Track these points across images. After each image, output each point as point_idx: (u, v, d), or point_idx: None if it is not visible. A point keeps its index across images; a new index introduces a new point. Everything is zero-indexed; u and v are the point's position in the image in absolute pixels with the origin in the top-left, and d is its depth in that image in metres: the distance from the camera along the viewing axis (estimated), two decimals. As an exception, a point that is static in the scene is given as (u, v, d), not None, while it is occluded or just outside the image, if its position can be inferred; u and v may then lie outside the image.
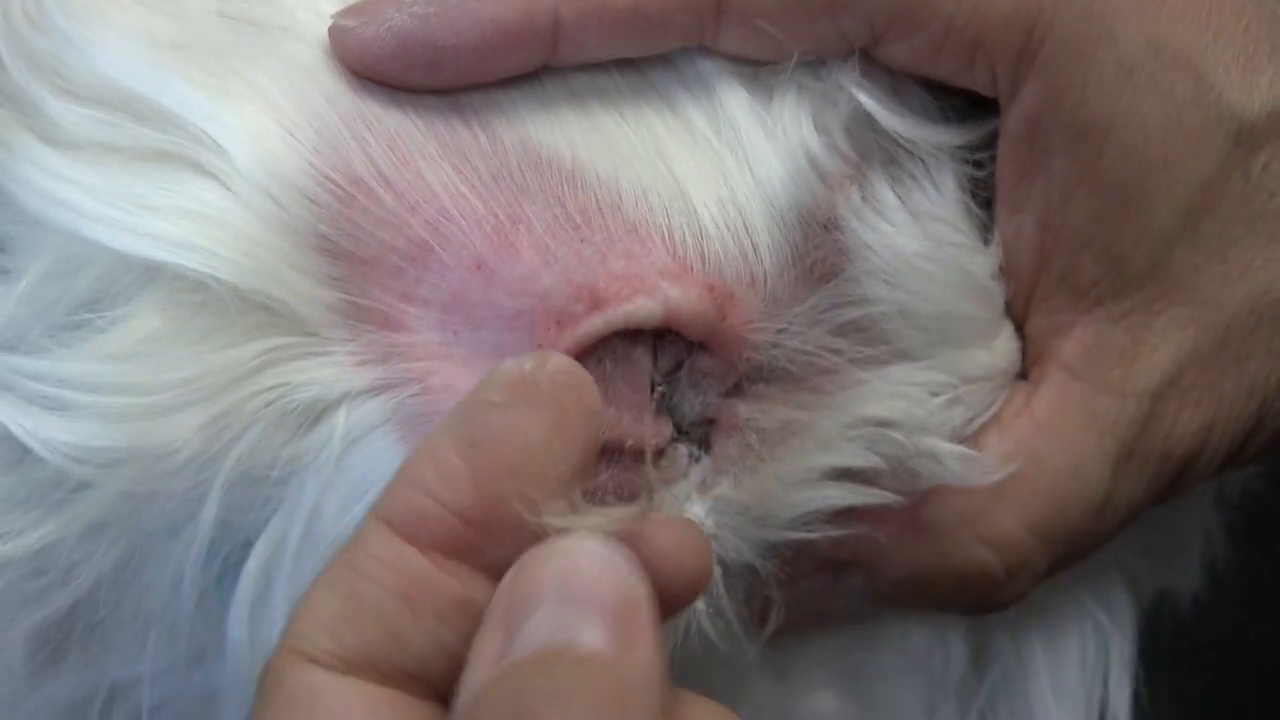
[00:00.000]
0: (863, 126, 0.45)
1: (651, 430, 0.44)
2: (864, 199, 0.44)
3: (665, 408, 0.45)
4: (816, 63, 0.44)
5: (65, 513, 0.42)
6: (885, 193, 0.44)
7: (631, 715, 0.34)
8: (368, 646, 0.36)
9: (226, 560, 0.43)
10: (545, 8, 0.42)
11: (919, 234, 0.44)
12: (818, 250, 0.44)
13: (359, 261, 0.42)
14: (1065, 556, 0.46)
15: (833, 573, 0.47)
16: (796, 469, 0.44)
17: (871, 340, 0.44)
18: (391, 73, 0.43)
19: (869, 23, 0.43)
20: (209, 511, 0.42)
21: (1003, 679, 0.50)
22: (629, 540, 0.37)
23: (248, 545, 0.43)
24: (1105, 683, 0.51)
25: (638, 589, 0.36)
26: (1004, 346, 0.46)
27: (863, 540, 0.45)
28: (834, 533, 0.45)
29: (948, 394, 0.45)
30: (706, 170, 0.44)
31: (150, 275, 0.42)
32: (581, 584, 0.35)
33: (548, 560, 0.36)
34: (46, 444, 0.41)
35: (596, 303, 0.42)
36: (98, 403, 0.42)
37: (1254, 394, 0.46)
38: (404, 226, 0.42)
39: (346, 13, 0.43)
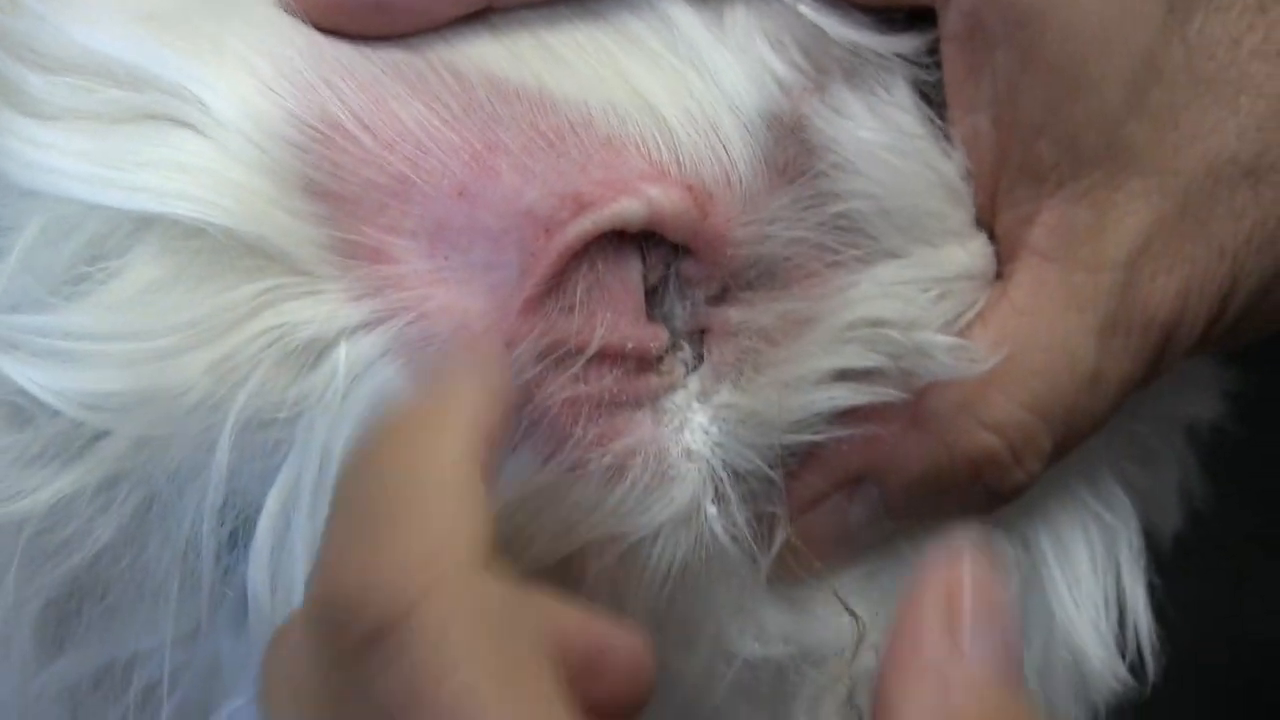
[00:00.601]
0: (815, 40, 0.46)
1: (650, 333, 0.45)
2: (825, 102, 0.45)
3: (658, 314, 0.46)
4: None
5: (80, 466, 0.43)
6: (846, 95, 0.46)
7: None
8: None
9: (238, 518, 0.44)
10: None
11: (882, 128, 0.46)
12: (787, 151, 0.45)
13: (344, 200, 0.43)
14: (1066, 434, 0.47)
15: (846, 490, 0.48)
16: (796, 372, 0.46)
17: (852, 239, 0.46)
18: (344, 18, 0.44)
19: None
20: (221, 457, 0.43)
21: (1021, 590, 0.51)
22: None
23: (257, 504, 0.44)
24: (1119, 578, 0.52)
25: None
26: (980, 249, 0.47)
27: (871, 444, 0.46)
28: (840, 432, 0.46)
29: (935, 289, 0.46)
30: (670, 85, 0.45)
31: (143, 228, 0.43)
32: None
33: None
34: (60, 395, 0.42)
35: (581, 207, 0.43)
36: (105, 350, 0.42)
37: (1224, 254, 0.47)
38: (384, 163, 0.43)
39: None
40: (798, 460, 0.47)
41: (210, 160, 0.43)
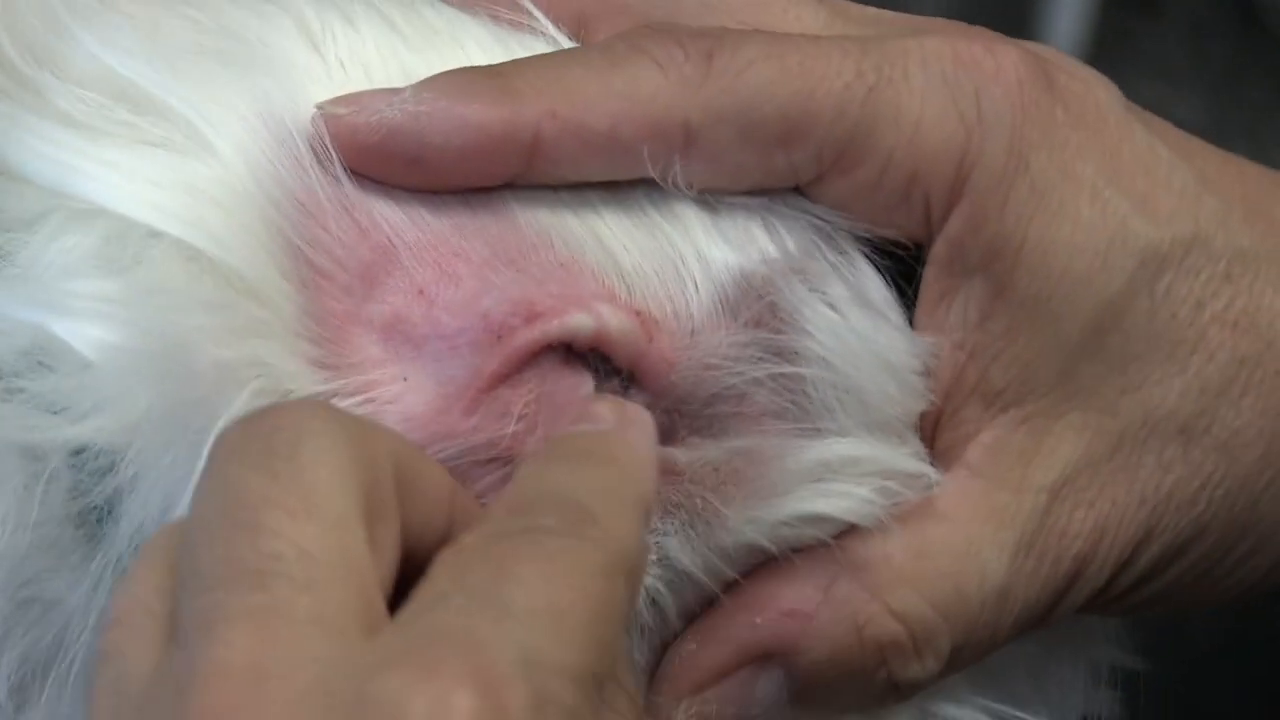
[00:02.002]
0: (813, 238, 0.48)
1: None
2: (803, 280, 0.47)
3: None
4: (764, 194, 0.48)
5: (91, 422, 0.44)
6: (828, 276, 0.47)
7: None
8: None
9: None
10: (528, 120, 0.45)
11: (853, 309, 0.47)
12: (750, 308, 0.47)
13: (319, 272, 0.45)
14: (964, 644, 0.48)
15: (754, 667, 0.48)
16: (728, 537, 0.47)
17: (799, 404, 0.47)
18: (374, 163, 0.45)
19: (818, 155, 0.47)
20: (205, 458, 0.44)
21: None
22: None
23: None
24: None
25: None
26: (919, 450, 0.49)
27: (784, 620, 0.47)
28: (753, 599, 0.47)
29: (872, 481, 0.47)
30: (636, 232, 0.47)
31: (154, 238, 0.45)
32: None
33: None
34: (95, 345, 0.44)
35: (534, 316, 0.45)
36: (135, 314, 0.44)
37: (1144, 503, 0.49)
38: (355, 247, 0.45)
39: (337, 101, 0.46)
40: (702, 630, 0.48)
41: (217, 192, 0.45)
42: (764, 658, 0.48)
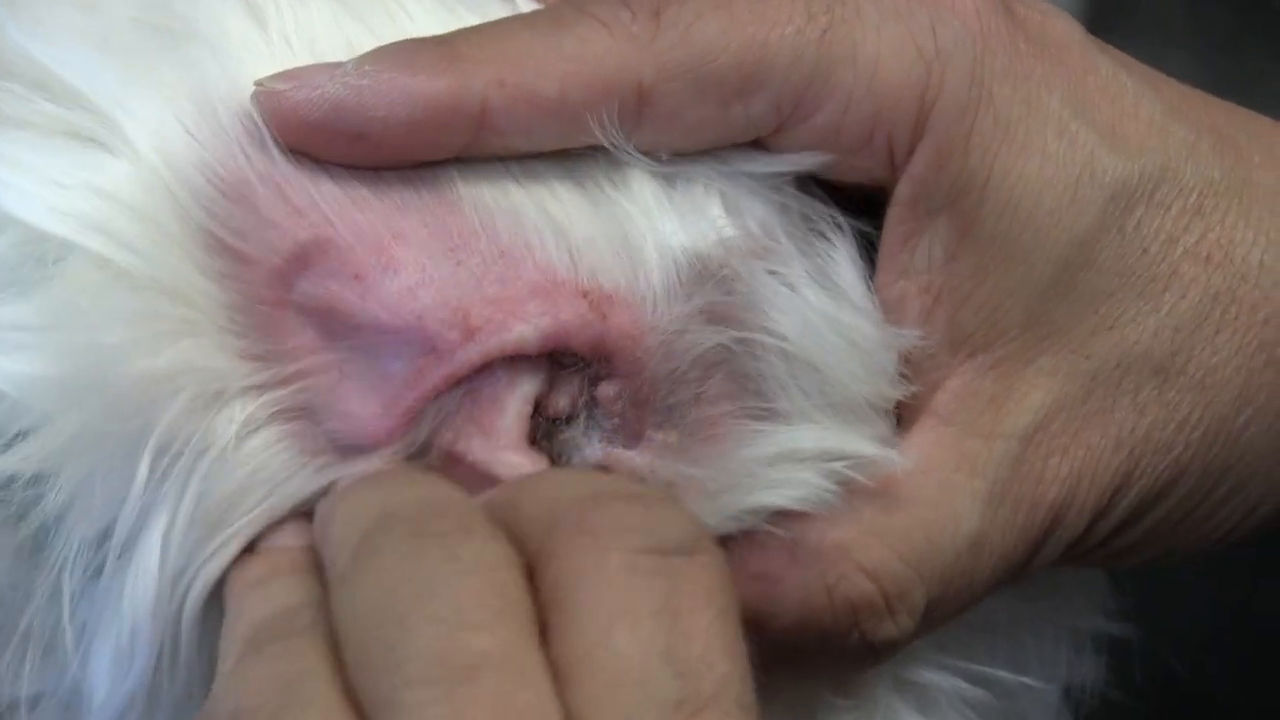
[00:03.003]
0: (775, 211, 0.47)
1: (522, 460, 0.44)
2: (764, 264, 0.46)
3: (561, 445, 0.46)
4: (723, 160, 0.47)
5: (17, 452, 0.43)
6: (791, 258, 0.46)
7: None
8: None
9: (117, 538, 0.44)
10: (475, 89, 0.44)
11: (817, 294, 0.46)
12: (706, 292, 0.46)
13: (244, 260, 0.44)
14: (941, 597, 0.47)
15: None
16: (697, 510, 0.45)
17: (759, 390, 0.46)
18: (317, 139, 0.44)
19: (776, 105, 0.46)
20: (140, 476, 0.43)
21: None
22: None
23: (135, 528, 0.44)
24: None
25: None
26: (886, 432, 0.47)
27: (753, 582, 0.46)
28: None
29: (832, 469, 0.46)
30: (588, 206, 0.46)
31: (72, 245, 0.43)
32: None
33: None
34: (8, 379, 0.42)
35: (470, 331, 0.44)
36: (51, 340, 0.43)
37: (1120, 446, 0.48)
38: (287, 229, 0.44)
39: (277, 76, 0.44)
40: None
41: (131, 195, 0.44)
42: None
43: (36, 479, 0.43)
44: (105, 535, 0.44)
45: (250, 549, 0.44)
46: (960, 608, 0.48)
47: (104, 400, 0.43)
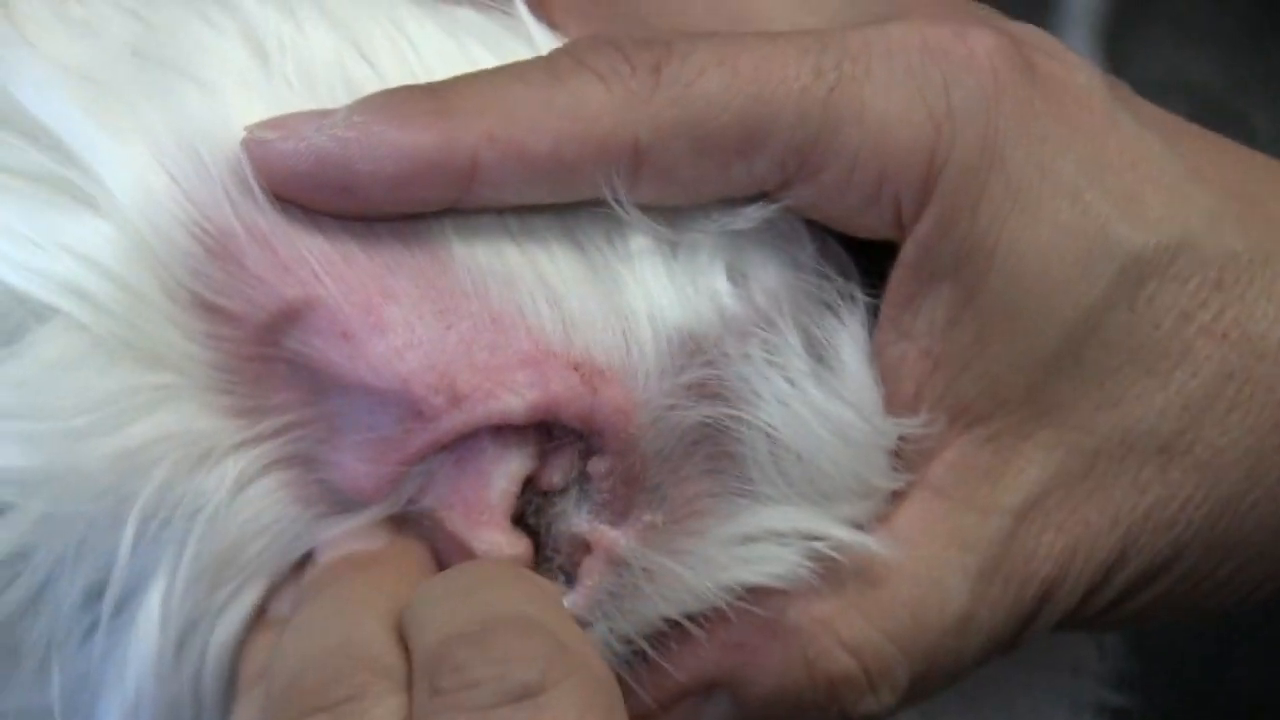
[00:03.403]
0: (781, 277, 0.45)
1: (506, 539, 0.44)
2: (765, 347, 0.44)
3: (547, 520, 0.45)
4: (731, 212, 0.45)
5: None
6: (789, 342, 0.45)
7: None
8: None
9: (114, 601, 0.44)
10: (465, 145, 0.42)
11: (815, 390, 0.45)
12: (697, 367, 0.44)
13: (229, 317, 0.42)
14: (926, 673, 0.46)
15: (700, 696, 0.46)
16: (663, 607, 0.45)
17: (740, 472, 0.45)
18: (303, 191, 0.43)
19: (780, 163, 0.44)
20: (125, 546, 0.42)
21: None
22: None
23: (133, 590, 0.43)
24: None
25: None
26: (867, 513, 0.46)
27: (730, 650, 0.45)
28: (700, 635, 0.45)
29: (804, 546, 0.45)
30: (584, 275, 0.44)
31: (47, 310, 0.42)
32: None
33: None
34: None
35: (456, 398, 0.42)
36: (10, 428, 0.41)
37: (1118, 524, 0.46)
38: (275, 285, 0.42)
39: (266, 124, 0.43)
40: (648, 658, 0.46)
41: (109, 256, 0.42)
42: (709, 687, 0.46)
43: (10, 559, 0.42)
44: (91, 602, 0.43)
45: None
46: (947, 682, 0.47)
47: (70, 484, 0.41)
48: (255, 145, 0.43)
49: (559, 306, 0.44)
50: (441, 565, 0.44)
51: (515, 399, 0.43)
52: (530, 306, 0.43)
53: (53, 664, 0.43)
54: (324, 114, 0.43)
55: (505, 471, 0.43)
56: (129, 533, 0.42)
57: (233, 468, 0.43)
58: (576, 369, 0.43)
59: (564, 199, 0.44)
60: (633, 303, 0.44)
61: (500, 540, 0.43)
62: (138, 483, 0.42)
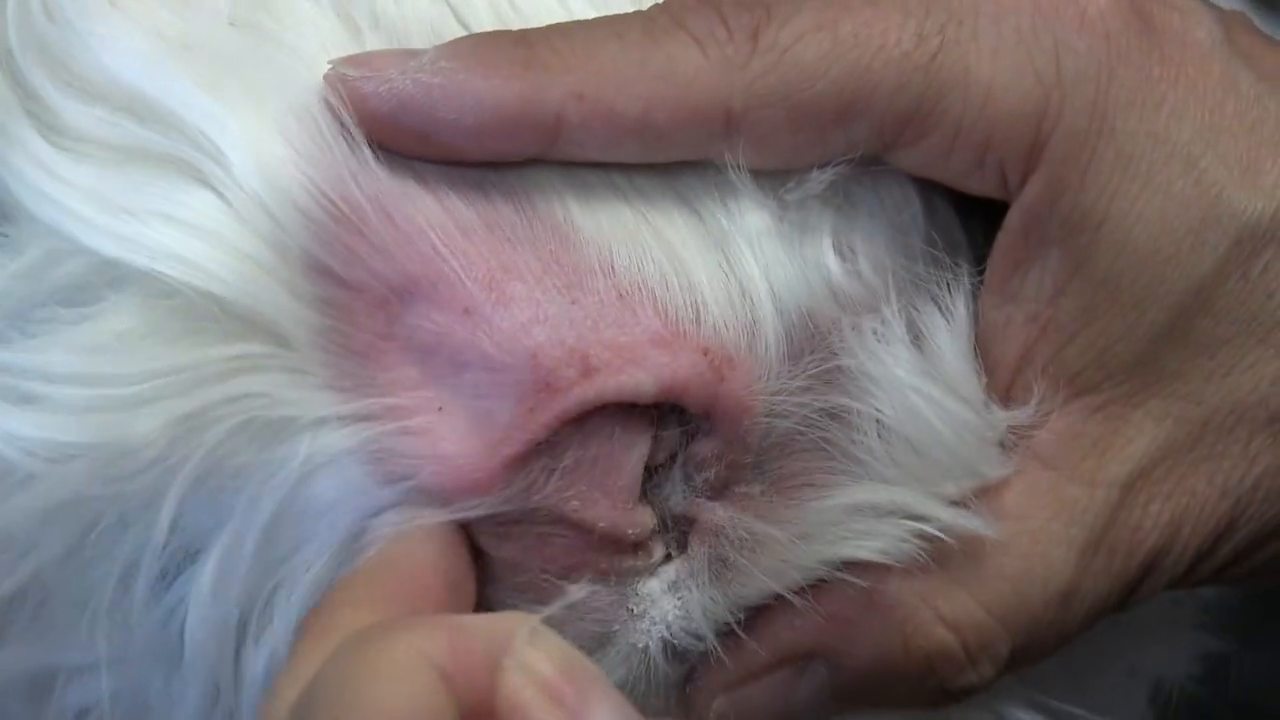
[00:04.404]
0: (888, 250, 0.44)
1: (630, 519, 0.43)
2: (869, 325, 0.44)
3: (654, 497, 0.44)
4: (839, 182, 0.44)
5: (25, 495, 0.41)
6: (893, 323, 0.44)
7: None
8: None
9: (176, 561, 0.43)
10: (550, 102, 0.41)
11: (918, 368, 0.44)
12: (815, 352, 0.44)
13: (347, 287, 0.41)
14: (1027, 645, 0.45)
15: (796, 667, 0.46)
16: (766, 583, 0.44)
17: (849, 452, 0.44)
18: (384, 133, 0.42)
19: (879, 130, 0.43)
20: (166, 512, 0.41)
21: None
22: None
23: (194, 551, 0.43)
24: None
25: None
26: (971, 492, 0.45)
27: (828, 623, 0.45)
28: (800, 604, 0.44)
29: (914, 536, 0.44)
30: (707, 249, 0.43)
31: (126, 278, 0.41)
32: None
33: None
34: (8, 439, 0.40)
35: (588, 371, 0.41)
36: (64, 394, 0.41)
37: (1227, 494, 0.45)
38: (396, 258, 0.41)
39: (349, 61, 0.42)
40: (745, 627, 0.45)
41: (216, 222, 0.41)
42: (805, 658, 0.45)
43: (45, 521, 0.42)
44: (139, 568, 0.42)
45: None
46: (1049, 652, 0.46)
47: (114, 456, 0.41)
48: (338, 80, 0.42)
49: (689, 284, 0.43)
50: (544, 571, 0.43)
51: (647, 377, 0.42)
52: (660, 283, 0.42)
53: (99, 624, 0.43)
54: (410, 54, 0.42)
55: (637, 455, 0.43)
56: (171, 501, 0.41)
57: (310, 443, 0.42)
58: (706, 353, 0.42)
59: (652, 159, 0.43)
60: (755, 281, 0.43)
61: (637, 519, 0.43)
62: (189, 447, 0.41)
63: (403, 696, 0.35)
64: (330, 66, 0.42)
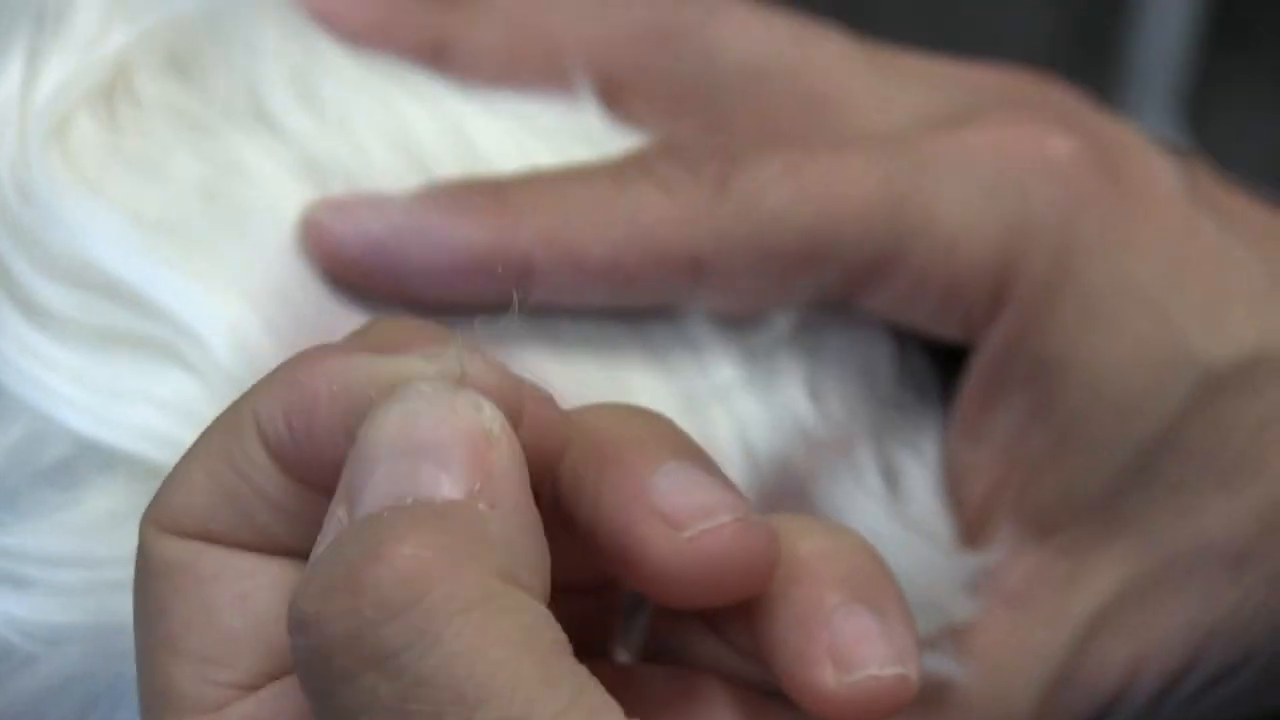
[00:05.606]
0: (858, 391, 0.45)
1: None
2: (843, 465, 0.44)
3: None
4: (808, 324, 0.44)
5: (16, 683, 0.41)
6: (868, 463, 0.44)
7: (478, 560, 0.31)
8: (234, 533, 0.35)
9: None
10: (519, 245, 0.42)
11: (890, 510, 0.44)
12: (787, 497, 0.44)
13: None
14: None
15: None
16: None
17: None
18: (355, 277, 0.42)
19: (845, 275, 0.43)
20: None
21: None
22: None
23: None
24: None
25: (491, 427, 0.32)
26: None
27: None
28: None
29: None
30: (680, 416, 0.42)
31: (113, 459, 0.41)
32: (420, 432, 0.31)
33: (383, 416, 0.32)
34: (6, 621, 0.40)
35: None
36: (59, 578, 0.40)
37: (1191, 632, 0.46)
38: None
39: (323, 205, 0.42)
40: None
41: (196, 402, 0.41)
42: None
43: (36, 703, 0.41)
44: None
45: None
46: None
47: (103, 637, 0.40)
48: (311, 226, 0.42)
49: None
50: None
51: None
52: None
53: None
54: (382, 200, 0.42)
55: None
56: None
57: None
58: None
59: (624, 305, 0.43)
60: (726, 440, 0.43)
61: None
62: None
63: None
64: (304, 214, 0.42)
